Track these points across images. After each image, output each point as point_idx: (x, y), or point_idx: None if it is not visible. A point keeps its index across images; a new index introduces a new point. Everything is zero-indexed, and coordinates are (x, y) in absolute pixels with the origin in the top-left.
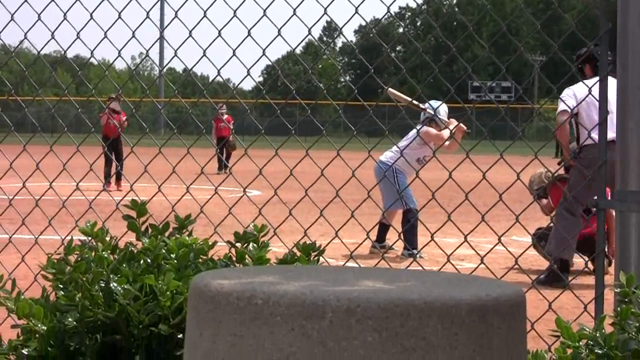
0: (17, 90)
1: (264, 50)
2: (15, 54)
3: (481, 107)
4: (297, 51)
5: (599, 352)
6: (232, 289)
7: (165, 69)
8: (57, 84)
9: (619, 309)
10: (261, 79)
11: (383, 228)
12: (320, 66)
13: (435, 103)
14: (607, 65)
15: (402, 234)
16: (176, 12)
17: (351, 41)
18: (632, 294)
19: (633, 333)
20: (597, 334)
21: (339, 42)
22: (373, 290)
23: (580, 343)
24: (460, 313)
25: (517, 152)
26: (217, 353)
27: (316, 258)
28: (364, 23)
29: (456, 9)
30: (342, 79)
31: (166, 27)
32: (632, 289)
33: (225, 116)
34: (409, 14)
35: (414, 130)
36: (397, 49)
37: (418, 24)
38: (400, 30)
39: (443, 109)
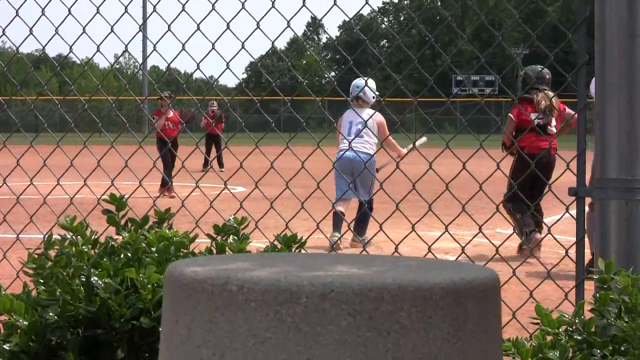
0: (0, 89)
1: (242, 43)
2: None
3: (467, 100)
4: (282, 47)
5: (578, 338)
6: (206, 275)
7: (148, 67)
8: (40, 83)
9: (597, 295)
10: (245, 75)
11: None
12: (304, 62)
13: (359, 81)
14: (584, 54)
15: (356, 222)
16: (154, 7)
17: (336, 36)
18: (611, 280)
19: (612, 319)
20: (577, 320)
21: (324, 38)
22: (347, 275)
23: (560, 330)
24: (434, 297)
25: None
26: (192, 340)
27: (298, 250)
28: (347, 18)
29: (438, 3)
30: (326, 75)
31: (146, 19)
32: (611, 275)
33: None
34: (392, 9)
35: (369, 121)
36: (382, 44)
37: (401, 18)
38: (383, 25)
39: (371, 84)
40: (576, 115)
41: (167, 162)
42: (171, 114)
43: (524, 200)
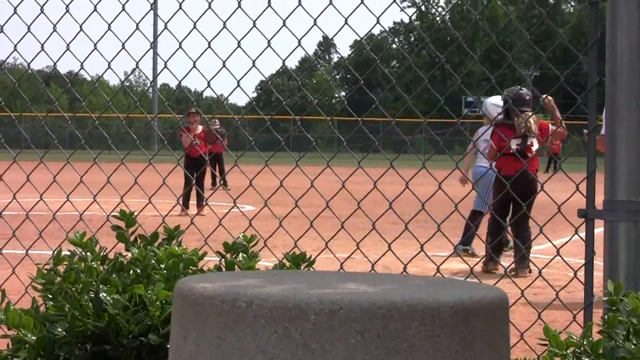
0: (11, 106)
1: (253, 61)
2: (8, 70)
3: (477, 122)
4: (293, 67)
5: (587, 359)
6: (215, 292)
7: (158, 85)
8: (50, 99)
9: (606, 317)
10: (255, 94)
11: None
12: (315, 81)
13: (490, 99)
14: (595, 76)
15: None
16: (165, 24)
17: (349, 55)
18: (620, 302)
19: (620, 341)
20: (585, 342)
21: (335, 57)
22: (356, 293)
23: (568, 351)
24: (442, 315)
25: None
26: (201, 356)
27: (307, 269)
28: (358, 38)
29: (449, 24)
30: (337, 94)
31: (157, 36)
32: (620, 297)
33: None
34: (403, 29)
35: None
36: (392, 64)
37: (412, 39)
38: (394, 45)
39: (489, 103)
40: (559, 129)
41: (188, 179)
42: (200, 129)
43: (500, 226)
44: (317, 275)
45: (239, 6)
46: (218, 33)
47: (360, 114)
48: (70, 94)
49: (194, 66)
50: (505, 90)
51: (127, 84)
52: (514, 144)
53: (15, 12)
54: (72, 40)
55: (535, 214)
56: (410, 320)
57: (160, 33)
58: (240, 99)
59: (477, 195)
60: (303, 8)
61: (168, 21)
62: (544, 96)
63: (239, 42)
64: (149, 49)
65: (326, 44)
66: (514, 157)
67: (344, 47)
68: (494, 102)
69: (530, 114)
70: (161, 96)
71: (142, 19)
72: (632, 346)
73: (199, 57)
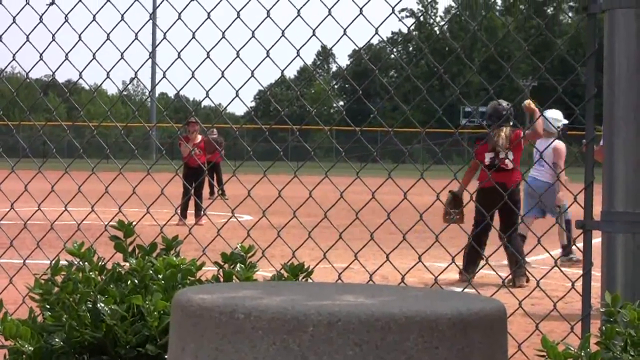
0: (9, 115)
1: (252, 71)
2: (6, 79)
3: (475, 132)
4: (292, 76)
5: None
6: (214, 303)
7: (157, 94)
8: (48, 108)
9: (604, 328)
10: (254, 104)
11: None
12: (313, 91)
13: (548, 113)
14: (593, 87)
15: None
16: (164, 34)
17: (347, 65)
18: (617, 314)
19: (618, 352)
20: (582, 353)
21: (333, 67)
22: (354, 305)
23: None
24: (440, 327)
25: None
26: None
27: (304, 280)
28: (357, 48)
29: (447, 34)
30: (335, 104)
31: (156, 46)
32: (617, 308)
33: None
34: (401, 39)
35: (548, 150)
36: (390, 74)
37: (410, 49)
38: (392, 56)
39: (548, 117)
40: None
41: (187, 189)
42: (199, 139)
43: (480, 235)
44: (315, 287)
45: (238, 16)
46: (217, 43)
47: (358, 123)
48: (69, 103)
49: (193, 76)
50: (491, 103)
51: (126, 93)
52: (487, 158)
53: (14, 22)
54: (70, 50)
55: (533, 224)
56: (408, 332)
57: (159, 43)
58: (238, 109)
59: (547, 207)
60: (302, 18)
61: (167, 31)
62: (524, 102)
63: (237, 52)
64: (148, 59)
65: (325, 54)
66: (491, 170)
67: (342, 57)
68: (554, 117)
69: (503, 128)
70: (159, 105)
71: (141, 29)
72: (630, 358)
73: (198, 66)
